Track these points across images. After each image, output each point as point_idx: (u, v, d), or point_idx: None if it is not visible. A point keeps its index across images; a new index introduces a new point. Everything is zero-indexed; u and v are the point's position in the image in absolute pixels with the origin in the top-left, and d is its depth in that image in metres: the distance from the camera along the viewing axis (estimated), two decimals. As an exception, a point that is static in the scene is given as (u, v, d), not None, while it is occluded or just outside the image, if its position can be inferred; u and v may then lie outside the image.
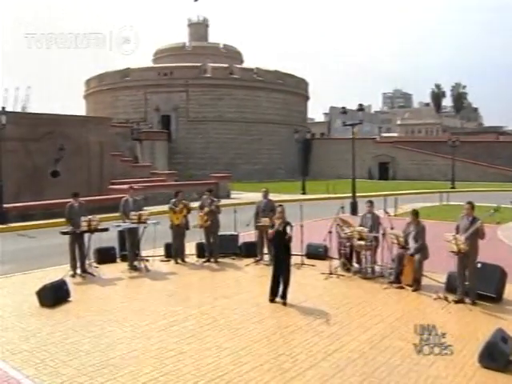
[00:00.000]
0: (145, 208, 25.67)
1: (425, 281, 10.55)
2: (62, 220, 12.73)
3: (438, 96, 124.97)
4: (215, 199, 13.59)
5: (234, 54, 71.71)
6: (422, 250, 10.38)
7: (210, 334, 7.69)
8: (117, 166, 36.86)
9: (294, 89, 65.08)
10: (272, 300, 9.26)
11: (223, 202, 26.53)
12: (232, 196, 35.18)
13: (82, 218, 11.50)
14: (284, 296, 9.24)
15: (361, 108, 25.02)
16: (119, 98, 59.55)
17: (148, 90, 57.88)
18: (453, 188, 42.17)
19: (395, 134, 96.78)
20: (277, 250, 9.45)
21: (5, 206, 22.45)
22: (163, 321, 8.37)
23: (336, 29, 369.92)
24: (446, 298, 9.41)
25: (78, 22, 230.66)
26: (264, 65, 62.68)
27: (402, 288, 10.32)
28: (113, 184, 30.79)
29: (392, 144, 64.61)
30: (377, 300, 9.59)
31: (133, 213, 12.14)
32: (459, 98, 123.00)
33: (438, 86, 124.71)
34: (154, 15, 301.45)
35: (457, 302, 9.27)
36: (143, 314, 8.76)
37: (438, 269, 11.19)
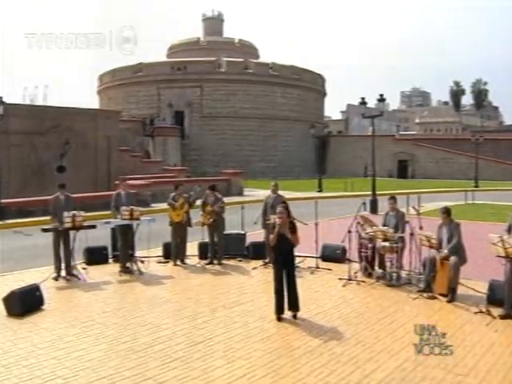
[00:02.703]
0: (152, 204, 24.82)
1: (460, 289, 8.96)
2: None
3: (457, 93, 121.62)
4: (219, 196, 12.06)
5: (249, 49, 70.12)
6: (459, 253, 8.81)
7: (200, 357, 6.21)
8: (126, 161, 35.63)
9: (310, 84, 63.46)
10: (279, 319, 7.63)
11: (235, 199, 25.27)
12: (245, 193, 33.77)
13: (65, 214, 10.11)
14: (296, 307, 7.68)
15: (382, 98, 23.37)
16: (132, 93, 58.48)
17: (161, 86, 56.70)
18: (476, 187, 40.27)
19: (414, 133, 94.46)
20: (278, 258, 7.77)
21: (3, 201, 21.25)
22: (146, 338, 6.91)
23: (354, 26, 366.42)
24: (489, 312, 7.81)
25: (87, 20, 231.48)
26: (280, 61, 61.14)
27: (434, 298, 8.72)
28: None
29: (411, 141, 62.58)
30: (405, 313, 7.99)
31: (123, 208, 10.71)
32: (480, 94, 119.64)
33: (457, 84, 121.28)
34: (168, 10, 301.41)
35: (503, 317, 7.67)
36: (125, 328, 7.32)
37: (473, 275, 9.67)
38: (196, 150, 54.74)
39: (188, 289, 9.74)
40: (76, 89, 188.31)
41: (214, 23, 74.21)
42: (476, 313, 7.87)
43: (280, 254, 7.69)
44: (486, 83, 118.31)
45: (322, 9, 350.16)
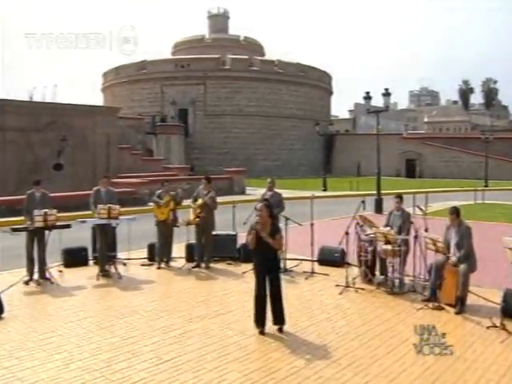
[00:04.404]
0: (150, 203, 23.95)
1: (471, 298, 8.00)
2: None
3: (465, 92, 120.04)
4: (212, 190, 11.12)
5: (254, 47, 69.11)
6: (469, 259, 7.86)
7: (164, 380, 5.30)
8: (126, 159, 34.84)
9: (316, 82, 62.42)
10: (262, 332, 6.68)
11: (236, 198, 24.34)
12: (247, 192, 32.91)
13: (35, 212, 9.24)
14: (281, 320, 6.76)
15: (387, 93, 22.40)
16: (135, 91, 57.74)
17: (165, 83, 55.88)
18: (486, 186, 39.12)
19: (422, 131, 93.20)
20: (259, 264, 6.83)
21: (-7, 199, 20.52)
22: (107, 353, 6.01)
23: (362, 26, 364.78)
24: (503, 327, 6.83)
25: (90, 19, 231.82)
26: (287, 59, 60.15)
27: (440, 309, 7.75)
28: (119, 178, 28.69)
29: (419, 140, 61.33)
30: (408, 327, 6.97)
31: (100, 206, 9.81)
32: (490, 93, 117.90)
33: (465, 82, 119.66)
34: (173, 8, 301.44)
35: (520, 332, 6.71)
36: (86, 342, 6.42)
37: (484, 282, 8.78)
38: (200, 148, 53.90)
39: (166, 296, 8.83)
40: (83, 87, 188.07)
41: (219, 20, 73.29)
42: (489, 327, 6.90)
43: (261, 259, 6.74)
44: (496, 82, 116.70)
45: (327, 7, 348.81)
